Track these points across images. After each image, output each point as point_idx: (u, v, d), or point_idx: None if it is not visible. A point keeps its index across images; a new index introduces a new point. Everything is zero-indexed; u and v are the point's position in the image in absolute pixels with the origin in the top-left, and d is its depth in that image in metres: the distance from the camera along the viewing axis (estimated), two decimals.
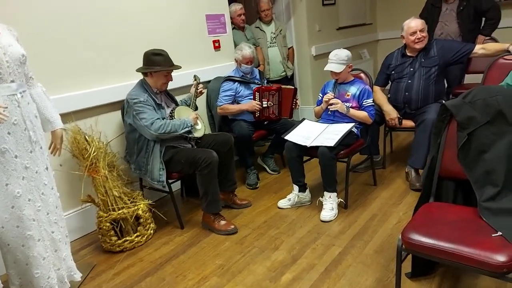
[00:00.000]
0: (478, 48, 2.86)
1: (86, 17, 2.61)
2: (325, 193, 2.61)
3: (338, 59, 2.67)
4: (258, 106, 3.14)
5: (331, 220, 2.54)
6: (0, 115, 1.55)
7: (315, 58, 4.83)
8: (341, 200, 2.66)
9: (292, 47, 4.40)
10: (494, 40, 3.72)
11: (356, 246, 2.23)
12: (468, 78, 3.98)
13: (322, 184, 2.63)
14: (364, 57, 5.75)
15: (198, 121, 2.75)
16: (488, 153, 1.63)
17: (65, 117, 2.40)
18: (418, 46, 2.87)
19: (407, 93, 2.94)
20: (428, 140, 2.67)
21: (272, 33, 4.11)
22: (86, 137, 2.43)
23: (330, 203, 2.59)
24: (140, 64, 2.56)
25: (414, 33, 2.85)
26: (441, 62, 2.87)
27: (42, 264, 1.79)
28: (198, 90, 2.86)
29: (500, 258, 1.34)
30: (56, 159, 2.36)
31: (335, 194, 2.61)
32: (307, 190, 2.81)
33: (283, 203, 2.81)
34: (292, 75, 4.42)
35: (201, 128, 2.79)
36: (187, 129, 2.58)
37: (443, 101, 2.92)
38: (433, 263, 1.87)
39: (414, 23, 2.85)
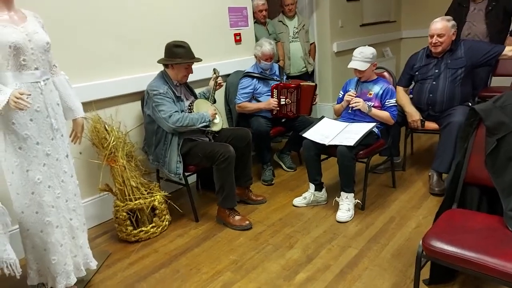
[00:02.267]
0: (508, 50, 2.75)
1: (110, 8, 2.62)
2: (342, 193, 2.57)
3: (363, 57, 2.61)
4: (275, 103, 3.10)
5: (347, 221, 2.50)
6: (24, 102, 1.57)
7: (336, 55, 4.76)
8: (358, 201, 2.61)
9: (314, 42, 4.33)
10: None
11: (372, 249, 2.19)
12: (495, 81, 3.85)
13: (339, 184, 2.59)
14: (387, 55, 5.64)
15: (216, 115, 2.74)
16: None
17: (86, 106, 2.42)
18: (434, 50, 2.79)
19: (431, 95, 2.86)
20: (453, 143, 2.59)
21: (295, 27, 4.06)
22: (106, 126, 2.44)
23: (346, 203, 2.55)
24: (161, 55, 2.56)
25: (432, 36, 2.76)
26: (468, 64, 2.78)
27: (59, 250, 1.81)
28: (217, 83, 2.84)
29: None
30: (76, 147, 2.38)
31: (352, 194, 2.57)
32: (324, 189, 2.78)
33: (298, 201, 2.79)
34: (313, 71, 4.36)
35: (219, 122, 2.78)
36: (204, 123, 2.57)
37: (470, 104, 2.85)
38: (452, 270, 1.81)
39: (434, 26, 2.75)
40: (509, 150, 1.58)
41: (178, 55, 2.50)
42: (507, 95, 1.63)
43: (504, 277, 1.33)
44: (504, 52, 2.73)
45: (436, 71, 2.85)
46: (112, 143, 2.40)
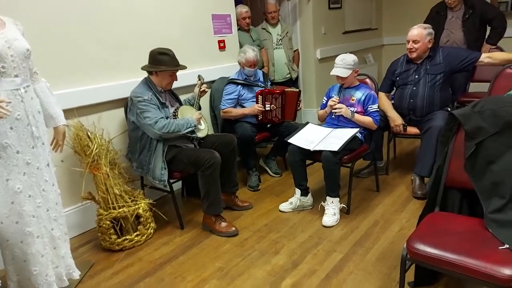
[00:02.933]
0: (484, 57, 2.84)
1: (91, 14, 2.59)
2: (328, 197, 2.59)
3: (344, 64, 2.65)
4: (260, 109, 3.12)
5: (333, 226, 2.52)
6: (3, 110, 1.53)
7: (320, 61, 4.82)
8: (344, 205, 2.64)
9: (297, 49, 4.38)
10: (500, 49, 3.71)
11: (357, 252, 2.21)
12: (473, 86, 3.97)
13: (324, 189, 2.61)
14: (368, 61, 5.74)
15: (201, 121, 2.73)
16: (496, 164, 1.61)
17: (68, 113, 2.38)
18: (409, 55, 2.89)
19: (411, 100, 2.93)
20: (434, 148, 2.65)
21: (278, 35, 4.10)
22: (89, 133, 2.41)
23: (332, 208, 2.57)
24: (145, 61, 2.54)
25: (408, 42, 2.85)
26: (446, 70, 2.86)
27: (40, 261, 1.76)
28: (201, 90, 2.84)
29: (507, 271, 1.32)
30: (58, 155, 2.33)
31: (338, 199, 2.59)
32: (309, 194, 2.79)
33: (284, 206, 2.79)
34: (297, 78, 4.40)
35: (205, 128, 2.77)
36: (190, 129, 2.56)
37: (449, 109, 2.92)
38: (436, 272, 1.85)
39: (410, 32, 2.85)
40: (488, 154, 1.63)
41: (162, 62, 2.48)
42: (485, 101, 1.68)
43: (486, 278, 1.36)
44: (480, 59, 2.82)
45: (416, 76, 2.91)
46: (95, 150, 2.36)
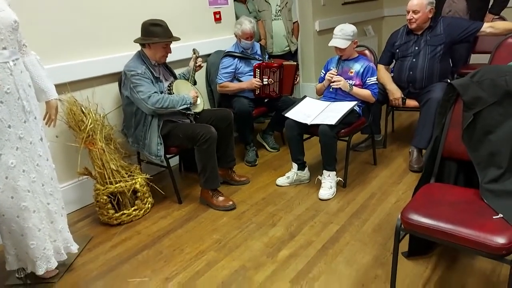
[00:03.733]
0: (486, 27, 2.77)
1: None
2: (324, 171, 2.59)
3: (343, 34, 2.59)
4: (257, 83, 3.07)
5: (329, 199, 2.53)
6: None
7: (318, 33, 4.72)
8: (340, 179, 2.64)
9: (297, 21, 4.26)
10: (503, 19, 3.61)
11: (354, 224, 2.23)
12: (474, 58, 3.89)
13: (321, 163, 2.60)
14: (368, 34, 5.62)
15: (198, 98, 2.69)
16: (493, 134, 1.59)
17: (61, 87, 2.34)
18: (409, 26, 2.83)
19: (411, 72, 2.88)
20: (432, 120, 2.63)
21: (277, 5, 3.98)
22: (83, 108, 2.38)
23: (329, 181, 2.57)
24: (137, 34, 2.48)
25: (408, 12, 2.77)
26: (447, 41, 2.80)
27: (37, 235, 1.77)
28: (196, 64, 2.78)
29: (500, 240, 1.32)
30: (52, 130, 2.31)
31: (334, 173, 2.59)
32: (306, 168, 2.79)
33: (281, 180, 2.80)
34: (296, 50, 4.31)
35: (200, 104, 2.74)
36: (185, 106, 2.53)
37: (448, 81, 2.88)
38: (430, 243, 1.86)
39: (410, 2, 2.77)
40: (485, 124, 1.60)
41: (155, 34, 2.42)
42: (484, 70, 1.65)
43: (479, 247, 1.36)
44: (482, 29, 2.75)
45: (416, 48, 2.85)
46: (90, 125, 2.34)
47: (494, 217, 1.43)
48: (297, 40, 4.28)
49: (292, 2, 4.24)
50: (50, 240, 1.85)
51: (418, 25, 2.78)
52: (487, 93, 1.60)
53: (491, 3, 3.65)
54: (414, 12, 2.74)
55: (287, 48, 4.13)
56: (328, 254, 1.99)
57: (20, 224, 1.73)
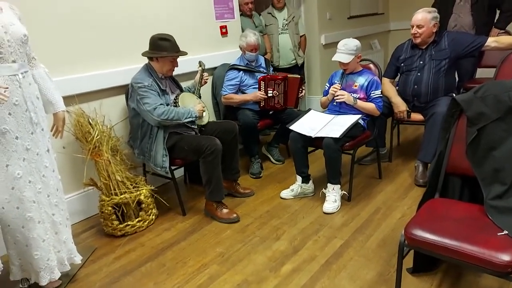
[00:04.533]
0: (491, 41, 2.77)
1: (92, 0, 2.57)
2: (329, 185, 2.58)
3: (347, 49, 2.61)
4: (262, 96, 3.10)
5: (333, 212, 2.51)
6: (1, 96, 1.53)
7: (324, 47, 4.75)
8: (345, 192, 2.63)
9: (304, 35, 4.30)
10: (509, 34, 3.61)
11: (358, 239, 2.21)
12: (480, 72, 3.88)
13: (326, 176, 2.60)
14: (375, 47, 5.65)
15: (203, 111, 2.72)
16: (497, 150, 1.58)
17: (69, 99, 2.39)
18: (414, 40, 2.85)
19: (416, 86, 2.88)
20: (438, 134, 2.61)
21: (284, 19, 4.03)
22: (90, 120, 2.41)
23: (333, 195, 2.56)
24: (145, 47, 2.53)
25: (412, 27, 2.79)
26: (452, 55, 2.80)
27: (42, 246, 1.79)
28: (203, 79, 2.82)
29: (505, 257, 1.30)
30: (59, 142, 2.35)
31: (339, 186, 2.58)
32: (311, 181, 2.79)
33: (286, 193, 2.79)
34: (303, 63, 4.34)
35: (206, 116, 2.77)
36: (191, 119, 2.55)
37: (454, 95, 2.87)
38: (435, 259, 1.84)
39: (414, 17, 2.79)
40: (489, 140, 1.60)
41: (163, 48, 2.46)
42: (488, 86, 1.65)
43: (484, 264, 1.35)
44: (487, 43, 2.75)
45: (421, 62, 2.86)
46: (96, 137, 2.37)
47: (498, 234, 1.41)
48: (304, 54, 4.31)
49: (300, 16, 4.28)
50: (54, 251, 1.87)
51: (423, 39, 2.79)
52: (491, 108, 1.59)
53: (496, 17, 3.66)
54: (419, 26, 2.76)
55: (294, 61, 4.16)
56: (331, 269, 1.97)
57: (25, 234, 1.75)
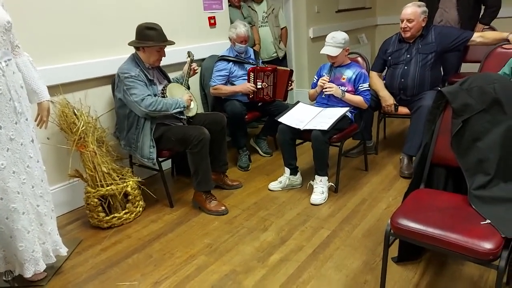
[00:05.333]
0: (476, 36, 2.82)
1: None
2: (316, 176, 2.60)
3: (335, 42, 2.61)
4: (252, 87, 3.09)
5: (321, 204, 2.54)
6: None
7: (312, 40, 4.76)
8: (332, 184, 2.66)
9: (285, 27, 4.28)
10: (493, 29, 3.68)
11: (344, 229, 2.24)
12: (465, 67, 3.95)
13: (313, 168, 2.62)
14: (362, 41, 5.68)
15: (191, 101, 2.69)
16: (481, 141, 1.61)
17: (53, 89, 2.34)
18: (403, 35, 2.86)
19: (402, 80, 2.92)
20: (423, 127, 2.65)
21: (264, 12, 4.02)
22: (75, 110, 2.37)
23: (320, 186, 2.59)
24: (132, 37, 2.48)
25: (402, 21, 2.82)
26: (438, 49, 2.84)
27: (26, 237, 1.76)
28: (191, 69, 2.79)
29: (487, 245, 1.34)
30: (43, 132, 2.30)
31: (326, 178, 2.60)
32: (299, 173, 2.80)
33: (274, 185, 2.80)
34: (284, 56, 4.32)
35: (194, 107, 2.75)
36: (179, 109, 2.53)
37: (439, 89, 2.91)
38: (419, 248, 1.88)
39: (404, 11, 2.81)
40: (474, 131, 1.63)
41: (149, 37, 2.43)
42: (473, 78, 1.68)
43: (467, 252, 1.38)
44: (472, 38, 2.80)
45: (408, 56, 2.89)
46: (82, 128, 2.33)
47: (482, 222, 1.45)
48: (285, 46, 4.28)
49: (280, 8, 4.25)
50: (39, 242, 1.84)
51: (412, 34, 2.82)
52: (476, 100, 1.63)
53: (481, 13, 3.72)
54: (409, 21, 2.78)
55: (275, 54, 4.14)
56: (318, 259, 1.99)
57: (9, 226, 1.72)
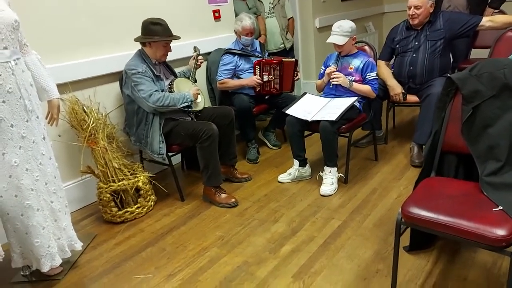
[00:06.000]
0: (486, 21, 2.77)
1: None
2: (326, 167, 2.59)
3: (341, 31, 2.59)
4: (258, 80, 3.08)
5: (331, 195, 2.54)
6: None
7: (319, 31, 4.72)
8: (341, 175, 2.65)
9: (292, 17, 4.23)
10: (503, 13, 3.60)
11: (355, 219, 2.24)
12: (475, 53, 3.89)
13: (322, 159, 2.61)
14: (369, 30, 5.62)
15: (198, 95, 2.70)
16: (492, 127, 1.59)
17: (62, 87, 2.37)
18: (411, 22, 2.82)
19: (411, 68, 2.88)
20: (433, 115, 2.62)
21: (270, 3, 3.98)
22: (85, 108, 2.40)
23: (330, 177, 2.58)
24: (139, 33, 2.50)
25: (409, 8, 2.77)
26: (447, 35, 2.80)
27: (41, 233, 1.79)
28: (198, 62, 2.80)
29: (500, 232, 1.33)
30: (55, 130, 2.34)
31: (336, 169, 2.60)
32: (308, 165, 2.80)
33: (283, 177, 2.81)
34: (292, 47, 4.28)
35: (201, 101, 2.75)
36: (186, 103, 2.54)
37: (448, 75, 2.87)
38: (431, 237, 1.88)
39: None
40: (484, 117, 1.61)
41: (155, 32, 2.44)
42: (483, 64, 1.65)
43: (479, 239, 1.37)
44: (481, 23, 2.75)
45: (416, 43, 2.86)
46: (92, 124, 2.36)
47: (494, 209, 1.44)
48: (292, 37, 4.25)
49: None
50: (54, 238, 1.87)
51: (420, 20, 2.78)
52: (486, 86, 1.60)
53: None
54: (416, 7, 2.74)
55: (282, 45, 4.11)
56: (330, 249, 2.00)
57: (24, 222, 1.76)
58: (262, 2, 3.97)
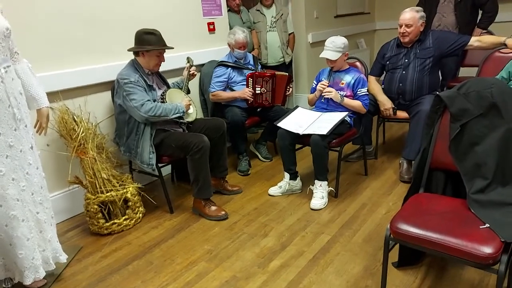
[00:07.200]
0: (474, 41, 2.84)
1: None
2: (316, 181, 2.60)
3: (334, 47, 2.63)
4: (250, 93, 3.10)
5: (321, 209, 2.54)
6: None
7: (311, 46, 4.78)
8: (332, 189, 2.66)
9: (293, 33, 4.30)
10: (490, 34, 3.70)
11: (344, 234, 2.23)
12: (463, 72, 3.97)
13: (313, 173, 2.62)
14: (361, 46, 5.71)
15: (190, 106, 2.70)
16: (479, 145, 1.62)
17: (52, 96, 2.35)
18: (402, 39, 2.87)
19: (401, 84, 2.93)
20: (422, 131, 2.66)
21: (272, 17, 4.04)
22: (75, 117, 2.38)
23: (320, 191, 2.58)
24: (131, 43, 2.50)
25: (400, 26, 2.83)
26: (436, 54, 2.85)
27: (26, 244, 1.75)
28: (190, 73, 2.80)
29: (487, 250, 1.34)
30: (43, 139, 2.31)
31: (326, 182, 2.60)
32: (298, 178, 2.80)
33: (273, 190, 2.80)
34: (291, 62, 4.35)
35: (193, 113, 2.75)
36: (178, 114, 2.54)
37: (437, 93, 2.92)
38: (419, 253, 1.88)
39: (403, 16, 2.82)
40: (472, 135, 1.64)
41: (148, 42, 2.44)
42: (471, 82, 1.69)
43: (466, 257, 1.38)
44: (470, 43, 2.81)
45: (406, 60, 2.91)
46: (81, 134, 2.33)
47: (481, 227, 1.45)
48: (292, 52, 4.32)
49: (288, 13, 4.29)
50: (38, 249, 1.83)
51: (411, 39, 2.84)
52: (473, 105, 1.63)
53: (479, 17, 3.74)
54: (407, 26, 2.80)
55: (282, 59, 4.17)
56: (319, 264, 1.99)
57: (9, 233, 1.72)
58: (265, 15, 4.03)
